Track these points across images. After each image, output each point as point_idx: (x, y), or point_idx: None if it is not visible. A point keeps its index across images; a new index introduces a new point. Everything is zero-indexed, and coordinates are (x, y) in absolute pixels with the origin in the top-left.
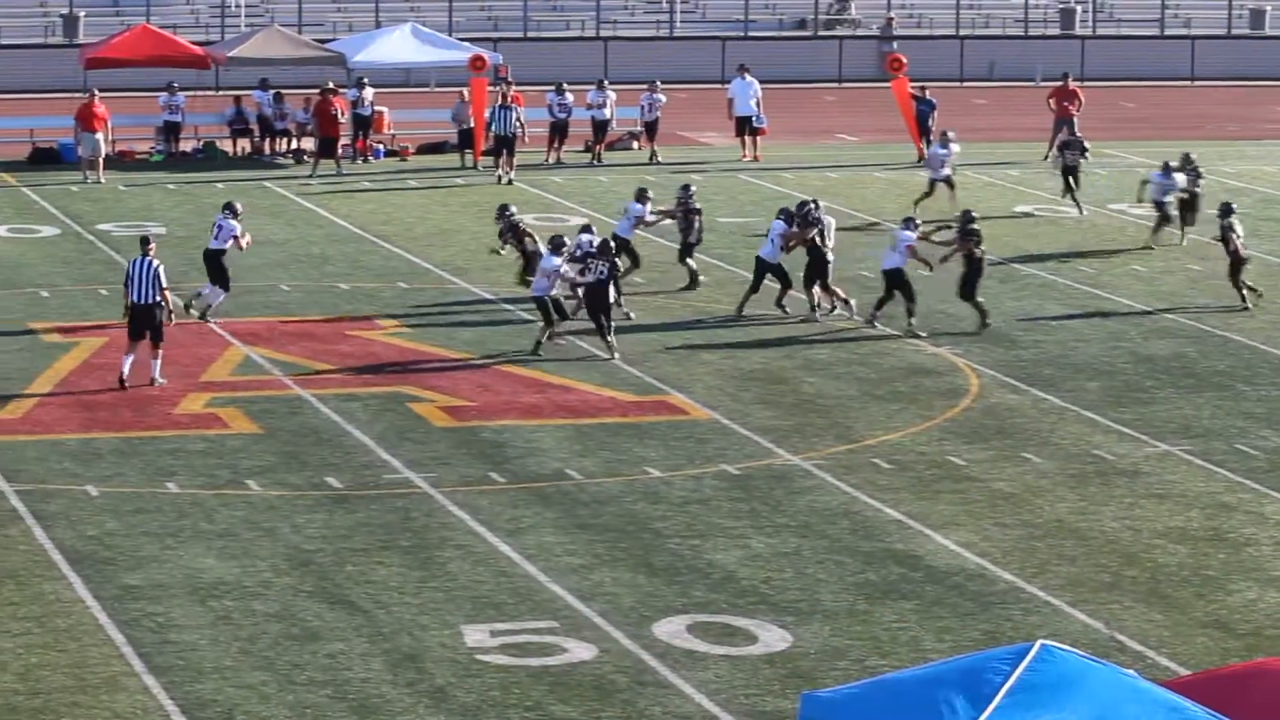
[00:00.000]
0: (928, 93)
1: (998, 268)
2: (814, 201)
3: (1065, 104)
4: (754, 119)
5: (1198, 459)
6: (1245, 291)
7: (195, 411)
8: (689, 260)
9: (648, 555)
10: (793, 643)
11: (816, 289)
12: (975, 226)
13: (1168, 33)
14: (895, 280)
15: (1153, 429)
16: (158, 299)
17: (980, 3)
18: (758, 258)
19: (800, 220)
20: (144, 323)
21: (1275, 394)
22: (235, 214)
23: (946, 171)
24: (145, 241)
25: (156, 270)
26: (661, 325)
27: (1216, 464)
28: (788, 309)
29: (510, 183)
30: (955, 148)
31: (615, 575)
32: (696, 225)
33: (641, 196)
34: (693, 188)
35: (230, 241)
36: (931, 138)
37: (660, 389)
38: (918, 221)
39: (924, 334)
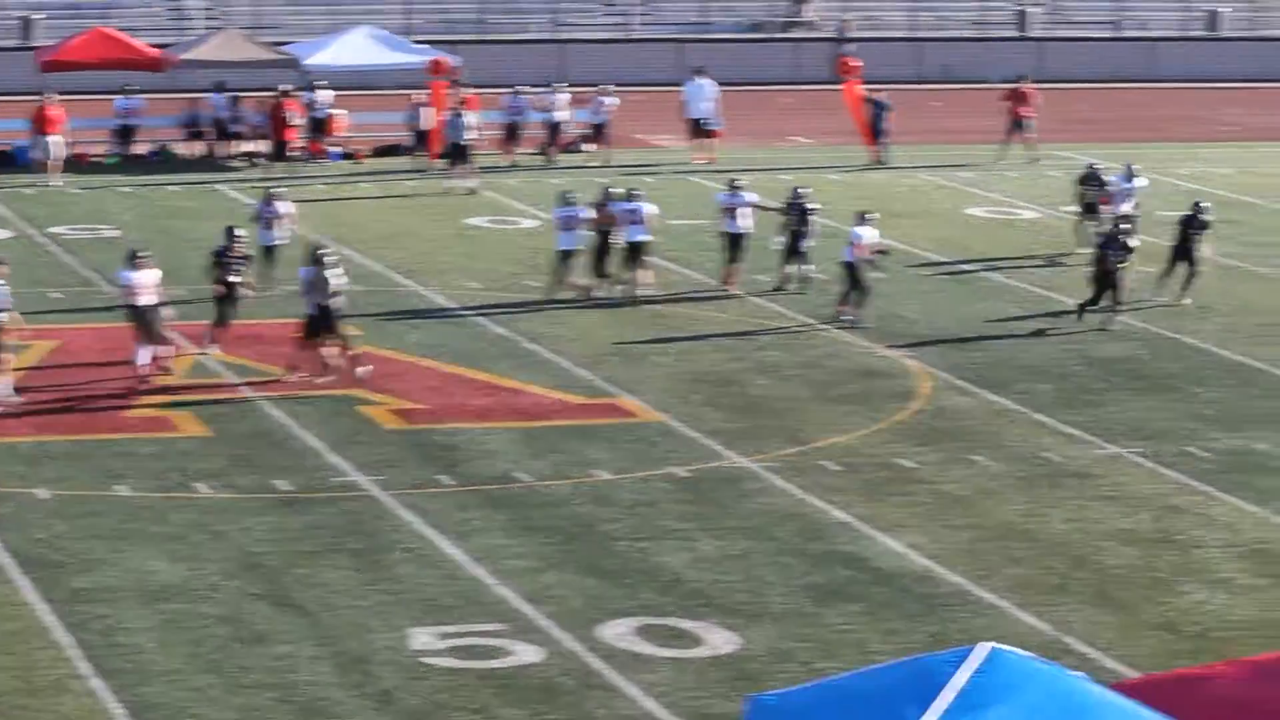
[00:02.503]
0: (882, 95)
1: (950, 269)
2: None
3: (1018, 107)
4: (705, 121)
5: (1148, 461)
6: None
7: (146, 414)
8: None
9: (596, 558)
10: (740, 645)
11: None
12: (1127, 242)
13: (1124, 34)
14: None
15: (1103, 431)
16: None
17: (936, 5)
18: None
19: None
20: None
21: (1225, 396)
22: (134, 264)
23: (1125, 207)
24: None
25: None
26: (612, 328)
27: (1166, 466)
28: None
29: (473, 192)
30: (1140, 182)
31: (563, 577)
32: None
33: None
34: (801, 189)
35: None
36: (884, 140)
37: (610, 391)
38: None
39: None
